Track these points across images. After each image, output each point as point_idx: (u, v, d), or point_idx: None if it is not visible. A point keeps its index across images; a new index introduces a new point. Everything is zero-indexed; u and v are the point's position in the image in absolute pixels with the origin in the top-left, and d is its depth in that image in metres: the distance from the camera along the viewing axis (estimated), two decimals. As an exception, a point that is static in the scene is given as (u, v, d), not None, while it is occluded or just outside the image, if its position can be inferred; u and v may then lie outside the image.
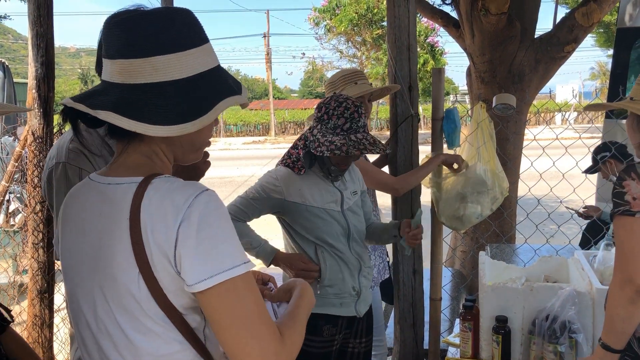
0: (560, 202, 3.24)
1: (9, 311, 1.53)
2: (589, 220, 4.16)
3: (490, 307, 2.46)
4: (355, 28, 20.20)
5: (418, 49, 22.55)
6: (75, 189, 1.24)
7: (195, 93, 1.09)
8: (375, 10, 19.48)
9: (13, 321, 1.55)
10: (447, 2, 5.11)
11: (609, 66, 7.32)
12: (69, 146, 1.74)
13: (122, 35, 1.08)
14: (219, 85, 1.13)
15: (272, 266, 2.40)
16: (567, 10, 4.78)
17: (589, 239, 3.74)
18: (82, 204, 1.18)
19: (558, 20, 4.60)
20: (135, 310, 1.08)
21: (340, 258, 2.37)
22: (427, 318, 3.10)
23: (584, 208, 4.19)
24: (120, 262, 1.07)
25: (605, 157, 4.07)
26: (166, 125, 1.04)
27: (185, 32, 1.11)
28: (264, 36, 36.21)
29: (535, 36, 4.59)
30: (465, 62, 4.87)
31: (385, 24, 19.84)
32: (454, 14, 5.24)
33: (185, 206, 1.03)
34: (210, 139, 1.26)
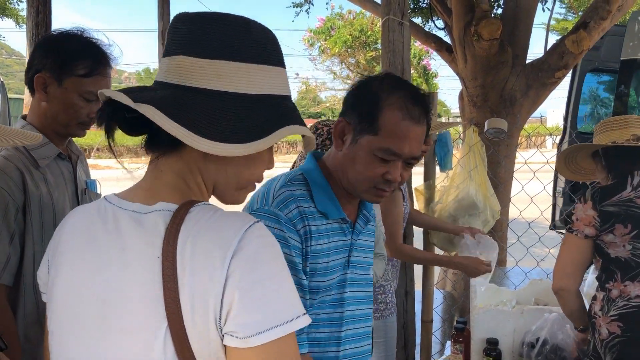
0: (551, 226, 3.27)
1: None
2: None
3: (482, 329, 2.48)
4: (349, 50, 20.39)
5: (412, 72, 22.53)
6: (82, 212, 1.01)
7: (257, 114, 0.93)
8: (369, 33, 19.69)
9: (7, 347, 1.51)
10: (440, 27, 5.20)
11: (600, 92, 7.51)
12: None
13: (190, 31, 0.93)
14: (286, 113, 0.97)
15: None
16: (558, 37, 4.88)
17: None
18: (94, 232, 0.95)
19: (549, 46, 4.69)
20: None
21: None
22: (418, 340, 3.11)
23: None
24: (143, 312, 0.87)
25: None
26: (215, 141, 0.86)
27: (263, 45, 0.95)
28: (258, 56, 36.31)
29: (527, 62, 4.67)
30: (457, 84, 4.93)
31: (378, 46, 20.08)
32: (447, 39, 5.34)
33: (236, 240, 0.85)
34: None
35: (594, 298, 2.09)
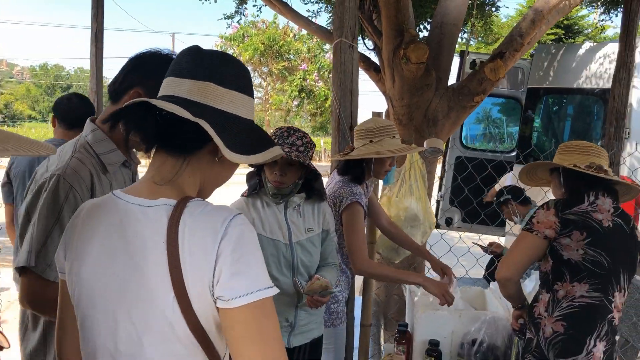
0: (477, 240, 3.59)
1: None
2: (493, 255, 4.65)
3: (423, 332, 2.72)
4: (261, 58, 20.46)
5: (322, 85, 22.61)
6: (97, 206, 1.23)
7: (255, 134, 1.23)
8: (281, 43, 19.89)
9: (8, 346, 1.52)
10: (370, 47, 5.48)
11: (493, 112, 8.34)
12: (70, 161, 1.62)
13: (217, 64, 1.20)
14: (263, 133, 1.28)
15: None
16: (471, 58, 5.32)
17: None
18: (111, 223, 1.17)
19: (463, 72, 5.08)
20: (165, 332, 1.11)
21: (278, 288, 2.34)
22: (355, 344, 3.30)
23: (489, 245, 4.65)
24: (156, 285, 1.10)
25: (507, 199, 4.57)
26: (237, 153, 1.13)
27: (251, 82, 1.28)
28: (165, 58, 35.44)
29: (448, 85, 5.04)
30: (373, 100, 5.21)
31: (291, 56, 20.35)
32: (375, 59, 5.63)
33: (223, 227, 1.09)
34: None
35: (536, 300, 2.35)
